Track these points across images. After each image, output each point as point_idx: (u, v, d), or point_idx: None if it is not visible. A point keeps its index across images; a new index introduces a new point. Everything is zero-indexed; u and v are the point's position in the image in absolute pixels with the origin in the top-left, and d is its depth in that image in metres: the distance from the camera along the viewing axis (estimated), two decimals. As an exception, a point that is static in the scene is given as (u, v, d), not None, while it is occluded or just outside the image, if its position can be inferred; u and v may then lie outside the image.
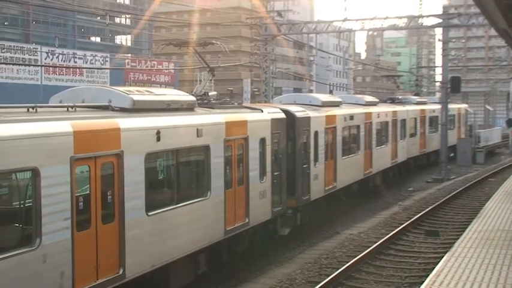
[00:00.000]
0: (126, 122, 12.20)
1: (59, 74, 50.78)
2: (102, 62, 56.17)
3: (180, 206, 13.87)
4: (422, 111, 40.31)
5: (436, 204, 25.36)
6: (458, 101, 56.76)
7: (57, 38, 52.25)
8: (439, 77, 55.88)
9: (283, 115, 19.66)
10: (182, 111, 14.61)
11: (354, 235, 20.54)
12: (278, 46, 61.34)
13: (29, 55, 49.07)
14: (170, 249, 13.41)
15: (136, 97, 13.13)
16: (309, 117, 21.96)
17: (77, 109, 11.80)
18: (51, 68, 49.51)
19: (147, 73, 63.05)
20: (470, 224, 17.53)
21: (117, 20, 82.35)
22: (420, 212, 23.51)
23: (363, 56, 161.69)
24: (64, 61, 51.74)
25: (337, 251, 18.34)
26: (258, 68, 46.15)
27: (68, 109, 11.70)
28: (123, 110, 12.70)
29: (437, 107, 41.65)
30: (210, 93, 18.21)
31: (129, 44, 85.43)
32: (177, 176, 14.19)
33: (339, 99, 27.69)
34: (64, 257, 10.37)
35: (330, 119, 24.01)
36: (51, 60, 50.51)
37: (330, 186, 23.56)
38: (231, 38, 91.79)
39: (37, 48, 50.47)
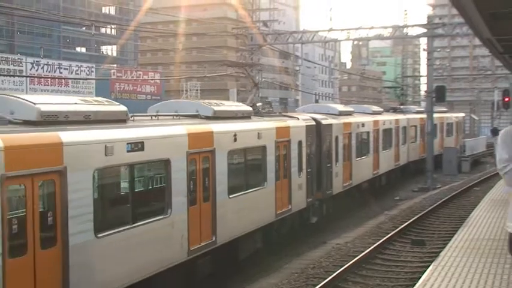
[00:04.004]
0: (216, 127, 16.09)
1: (44, 85, 50.59)
2: (88, 73, 56.01)
3: (249, 192, 17.77)
4: (422, 119, 42.64)
5: (422, 213, 25.40)
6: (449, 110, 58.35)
7: (43, 48, 52.04)
8: (424, 86, 56.24)
9: (314, 122, 23.55)
10: (245, 119, 18.57)
11: (341, 245, 20.53)
12: (264, 56, 61.45)
13: (13, 65, 48.89)
14: (242, 225, 17.17)
15: (216, 108, 17.06)
16: (331, 124, 25.65)
17: (175, 117, 15.75)
18: (36, 79, 49.34)
19: (132, 83, 62.95)
20: (456, 233, 17.52)
21: (103, 30, 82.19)
22: (406, 221, 23.54)
23: (349, 65, 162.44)
24: (49, 71, 51.56)
25: (324, 260, 18.30)
26: (244, 78, 46.18)
27: (173, 117, 15.69)
28: (208, 118, 16.50)
29: (436, 115, 44.13)
30: (257, 104, 21.91)
31: (114, 54, 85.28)
32: (246, 168, 18.26)
33: (351, 109, 31.47)
34: (183, 224, 14.19)
35: (347, 126, 27.76)
36: (37, 70, 50.34)
37: (347, 183, 27.26)
38: (216, 48, 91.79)
39: (22, 59, 50.27)
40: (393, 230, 21.89)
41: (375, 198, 30.45)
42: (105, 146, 11.62)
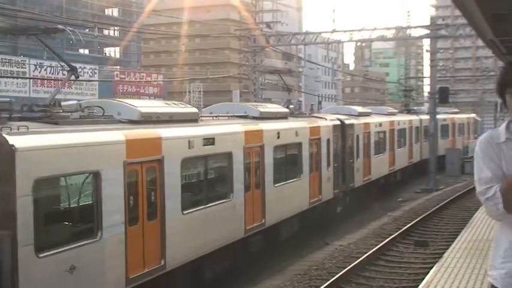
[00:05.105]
0: (264, 126, 18.76)
1: (47, 87, 50.52)
2: (91, 74, 56.01)
3: (289, 182, 20.35)
4: None
5: (425, 214, 25.40)
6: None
7: (45, 50, 52.00)
8: (427, 88, 56.38)
9: (339, 122, 26.02)
10: (283, 119, 21.17)
11: (344, 246, 20.53)
12: (267, 57, 61.42)
13: (17, 67, 48.89)
14: (284, 210, 19.68)
15: (261, 109, 19.95)
16: (353, 124, 28.11)
17: (230, 117, 18.43)
18: (39, 81, 49.35)
19: (136, 85, 62.92)
20: (460, 234, 17.54)
21: (106, 32, 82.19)
22: (410, 223, 23.54)
23: (352, 67, 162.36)
24: (52, 73, 51.49)
25: (327, 262, 18.31)
26: (247, 80, 46.19)
27: (228, 117, 18.33)
28: (255, 118, 19.19)
29: (448, 116, 49.44)
30: (290, 106, 23.85)
31: (117, 56, 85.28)
32: (286, 162, 20.73)
33: (370, 110, 34.26)
34: (241, 207, 16.78)
35: (366, 125, 30.24)
36: (40, 72, 50.31)
37: (367, 178, 29.72)
38: (219, 50, 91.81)
39: (25, 61, 50.29)
40: (396, 231, 21.90)
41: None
42: (189, 140, 14.43)
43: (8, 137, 9.80)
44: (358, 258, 17.87)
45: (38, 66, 50.39)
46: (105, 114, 12.91)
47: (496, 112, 72.79)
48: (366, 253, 18.47)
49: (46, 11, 59.75)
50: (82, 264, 10.66)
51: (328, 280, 15.56)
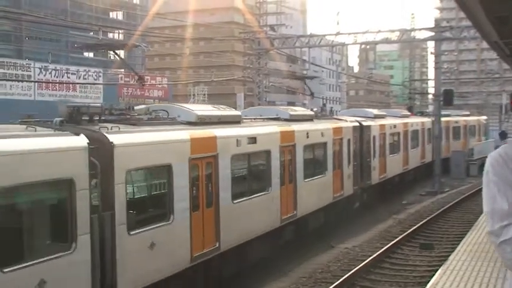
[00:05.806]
0: (295, 127, 20.62)
1: (52, 90, 50.62)
2: (96, 77, 56.02)
3: (316, 178, 22.11)
4: (446, 122, 46.01)
5: (431, 217, 25.34)
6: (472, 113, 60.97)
7: (50, 53, 52.06)
8: (431, 90, 56.23)
9: (357, 124, 27.86)
10: (310, 121, 23.00)
11: (349, 249, 20.50)
12: (271, 60, 61.40)
13: (22, 71, 48.90)
14: (311, 204, 21.41)
15: (292, 112, 22.00)
16: (370, 125, 29.78)
17: (265, 119, 20.33)
18: (44, 84, 49.38)
19: (140, 88, 62.83)
20: (465, 236, 17.49)
21: (110, 35, 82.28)
22: (415, 225, 23.49)
23: (356, 69, 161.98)
24: (57, 77, 51.59)
25: (332, 264, 18.29)
26: (251, 82, 46.17)
27: (263, 120, 20.22)
28: (286, 120, 20.92)
29: (460, 118, 51.88)
30: (314, 109, 25.35)
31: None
32: (313, 160, 22.46)
33: (385, 113, 36.11)
34: (278, 199, 18.64)
35: (382, 127, 31.88)
36: (44, 75, 50.31)
37: (382, 176, 31.29)
38: (224, 53, 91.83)
39: (30, 64, 50.33)
40: (401, 234, 21.87)
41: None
42: (237, 139, 16.34)
43: (107, 135, 11.75)
44: (363, 261, 17.85)
45: (42, 70, 50.42)
46: (169, 116, 15.04)
47: (501, 114, 72.67)
48: (371, 256, 18.44)
49: (51, 14, 59.90)
50: (159, 242, 12.68)
51: (333, 283, 15.55)
